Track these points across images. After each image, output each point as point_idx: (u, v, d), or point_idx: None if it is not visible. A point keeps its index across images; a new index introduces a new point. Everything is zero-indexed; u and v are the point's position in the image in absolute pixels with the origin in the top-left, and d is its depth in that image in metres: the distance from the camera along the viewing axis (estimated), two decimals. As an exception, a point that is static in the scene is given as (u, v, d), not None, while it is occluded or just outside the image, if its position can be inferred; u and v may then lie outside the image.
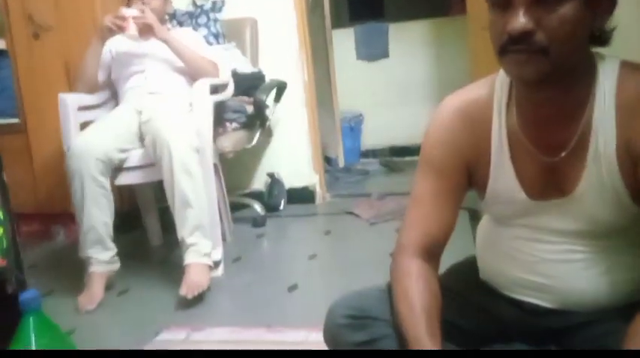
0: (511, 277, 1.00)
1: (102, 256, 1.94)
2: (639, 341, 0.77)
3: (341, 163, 3.95)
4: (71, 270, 1.99)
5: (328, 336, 1.06)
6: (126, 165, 2.07)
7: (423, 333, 0.88)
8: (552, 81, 0.83)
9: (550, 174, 0.90)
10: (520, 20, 0.77)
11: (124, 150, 2.05)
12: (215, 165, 2.20)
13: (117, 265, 1.99)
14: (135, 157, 2.09)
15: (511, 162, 0.92)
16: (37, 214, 2.73)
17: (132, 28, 2.09)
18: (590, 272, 0.92)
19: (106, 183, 1.95)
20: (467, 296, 1.07)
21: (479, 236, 1.11)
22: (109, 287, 1.98)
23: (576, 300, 0.93)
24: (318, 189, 3.13)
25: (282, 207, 2.97)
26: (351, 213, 2.80)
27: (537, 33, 0.78)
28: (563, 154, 0.88)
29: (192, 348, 1.48)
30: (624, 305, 0.89)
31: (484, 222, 1.09)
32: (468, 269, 1.12)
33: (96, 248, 1.93)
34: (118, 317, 1.85)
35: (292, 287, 1.92)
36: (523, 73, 0.82)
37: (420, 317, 0.91)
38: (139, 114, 2.14)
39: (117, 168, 2.05)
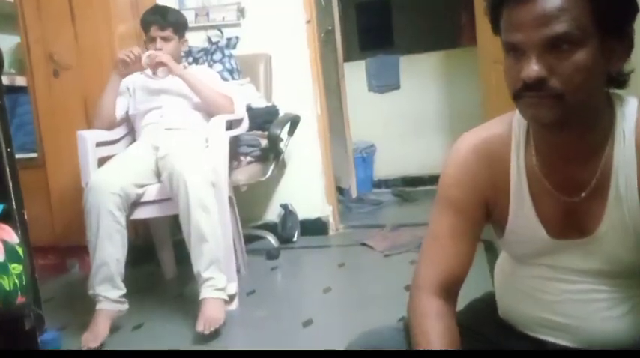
0: (531, 316, 0.99)
1: (110, 294, 1.92)
2: None
3: (354, 194, 3.95)
4: (85, 305, 1.99)
5: (346, 376, 1.05)
6: (142, 199, 2.09)
7: None
8: (569, 124, 0.83)
9: (571, 214, 0.90)
10: (533, 68, 0.78)
11: (140, 186, 2.07)
12: (230, 199, 2.22)
13: (125, 306, 1.96)
14: (151, 192, 2.11)
15: (531, 201, 0.92)
16: (53, 247, 2.75)
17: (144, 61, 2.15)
18: (612, 311, 0.91)
19: (122, 218, 1.97)
20: (486, 335, 1.06)
21: (497, 274, 1.10)
22: (116, 327, 1.97)
23: (598, 340, 0.92)
24: (331, 221, 3.13)
25: (295, 238, 2.98)
26: (364, 245, 2.80)
27: (551, 79, 0.78)
28: (583, 195, 0.87)
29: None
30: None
31: (502, 260, 1.09)
32: (487, 306, 1.11)
33: (105, 285, 1.92)
34: (133, 352, 1.84)
35: (307, 323, 1.91)
36: (538, 116, 0.82)
37: None
38: (156, 150, 2.17)
39: (133, 204, 2.07)
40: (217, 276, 1.93)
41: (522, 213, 0.93)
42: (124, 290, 1.96)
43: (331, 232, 3.12)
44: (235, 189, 2.43)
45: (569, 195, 0.89)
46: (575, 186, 0.88)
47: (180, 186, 1.93)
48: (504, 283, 1.07)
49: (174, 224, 2.23)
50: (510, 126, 0.95)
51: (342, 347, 1.01)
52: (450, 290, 0.99)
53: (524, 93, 0.80)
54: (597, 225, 0.87)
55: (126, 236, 1.98)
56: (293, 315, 1.98)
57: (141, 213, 2.12)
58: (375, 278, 2.38)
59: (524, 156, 0.93)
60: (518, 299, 1.01)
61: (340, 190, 3.90)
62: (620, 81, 0.86)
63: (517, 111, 0.95)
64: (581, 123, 0.84)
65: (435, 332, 0.93)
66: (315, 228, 3.08)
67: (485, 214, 0.99)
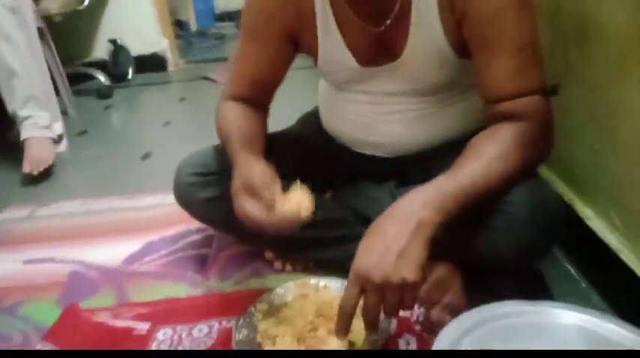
0: (349, 136, 1.05)
1: None
2: (474, 143, 0.81)
3: (193, 27, 3.74)
4: None
5: (179, 196, 1.06)
6: None
7: (237, 146, 0.89)
8: None
9: (378, 42, 0.91)
10: None
11: None
12: (40, 29, 1.94)
13: None
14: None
15: (339, 32, 0.92)
16: None
17: None
18: (422, 125, 0.97)
19: None
20: (313, 143, 1.11)
21: (320, 95, 1.13)
22: None
23: (411, 150, 1.00)
24: (169, 56, 2.96)
25: (130, 76, 2.78)
26: (206, 79, 2.71)
27: None
28: (387, 22, 0.88)
29: (37, 224, 1.39)
30: (454, 144, 0.96)
31: (323, 83, 1.11)
32: (316, 118, 1.14)
33: None
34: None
35: (146, 156, 1.84)
36: None
37: (234, 132, 0.92)
38: None
39: None
40: (38, 114, 1.76)
41: (331, 44, 0.94)
42: None
43: (170, 68, 2.97)
44: (48, 19, 2.14)
45: (375, 23, 0.89)
46: (380, 14, 0.88)
47: (-28, 12, 1.63)
48: (325, 104, 1.11)
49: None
50: None
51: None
52: (255, 102, 1.00)
53: None
54: (402, 50, 0.89)
55: None
56: (130, 151, 1.90)
57: None
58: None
59: None
60: (337, 121, 1.06)
61: (179, 23, 3.66)
62: None
63: None
64: None
65: (234, 113, 0.96)
66: (151, 64, 2.90)
67: (292, 45, 0.98)
